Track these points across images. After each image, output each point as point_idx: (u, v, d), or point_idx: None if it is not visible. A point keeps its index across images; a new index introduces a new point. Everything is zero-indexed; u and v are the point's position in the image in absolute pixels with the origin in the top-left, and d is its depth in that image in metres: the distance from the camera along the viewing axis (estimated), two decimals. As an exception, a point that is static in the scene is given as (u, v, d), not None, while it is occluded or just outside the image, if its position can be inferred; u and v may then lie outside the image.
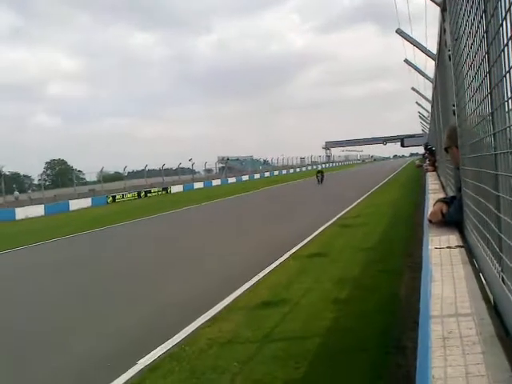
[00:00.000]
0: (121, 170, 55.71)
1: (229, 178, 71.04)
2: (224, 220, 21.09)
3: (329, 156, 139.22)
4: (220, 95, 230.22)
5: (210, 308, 7.23)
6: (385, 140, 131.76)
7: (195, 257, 12.23)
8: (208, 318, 6.85)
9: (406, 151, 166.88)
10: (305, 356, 5.14)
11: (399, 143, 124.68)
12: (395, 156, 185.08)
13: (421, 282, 2.16)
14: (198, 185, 60.73)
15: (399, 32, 8.46)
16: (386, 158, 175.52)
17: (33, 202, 42.86)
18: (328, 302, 6.92)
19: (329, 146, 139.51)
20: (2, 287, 11.30)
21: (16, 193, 50.01)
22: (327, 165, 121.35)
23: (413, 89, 19.59)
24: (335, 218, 16.42)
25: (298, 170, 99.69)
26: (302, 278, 8.57)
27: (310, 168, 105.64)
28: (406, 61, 12.72)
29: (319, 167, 45.66)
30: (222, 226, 18.68)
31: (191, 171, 69.51)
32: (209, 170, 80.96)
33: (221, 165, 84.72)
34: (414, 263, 7.76)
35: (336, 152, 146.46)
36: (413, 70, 12.47)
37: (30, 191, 55.74)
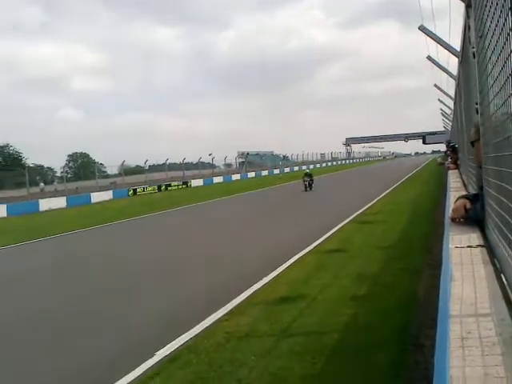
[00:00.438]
0: (142, 164, 56.22)
1: (248, 173, 71.09)
2: (245, 213, 21.34)
3: (349, 152, 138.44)
4: (241, 90, 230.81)
5: (227, 302, 7.28)
6: (406, 137, 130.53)
7: (205, 254, 12.13)
8: (226, 311, 6.90)
9: (428, 148, 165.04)
10: (322, 351, 5.14)
11: (421, 140, 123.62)
12: (417, 153, 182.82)
13: (440, 281, 2.15)
14: (218, 179, 60.95)
15: (422, 29, 8.33)
16: (407, 154, 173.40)
17: (56, 194, 43.54)
18: (346, 299, 6.91)
19: (349, 142, 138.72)
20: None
21: (42, 184, 50.90)
22: (347, 161, 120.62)
23: (435, 86, 19.30)
24: (356, 214, 16.36)
25: (318, 165, 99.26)
26: (320, 274, 8.55)
27: (329, 164, 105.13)
28: (429, 58, 12.51)
29: (306, 169, 34.30)
30: (241, 220, 18.97)
31: (211, 165, 69.76)
32: (228, 165, 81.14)
33: (240, 159, 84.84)
34: (434, 261, 7.70)
35: (356, 148, 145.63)
36: (435, 67, 12.27)
37: (55, 183, 56.60)
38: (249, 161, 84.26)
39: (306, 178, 30.97)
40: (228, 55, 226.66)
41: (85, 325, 7.25)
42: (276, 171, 78.24)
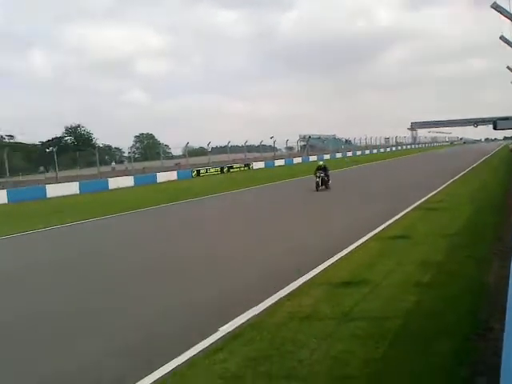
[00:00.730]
0: (205, 146, 57.19)
1: (310, 157, 70.67)
2: (310, 197, 21.47)
3: (414, 137, 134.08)
4: (303, 72, 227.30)
5: (290, 282, 7.39)
6: (475, 122, 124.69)
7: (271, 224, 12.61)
8: (288, 291, 7.01)
9: (499, 134, 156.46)
10: (385, 336, 5.14)
11: (491, 126, 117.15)
12: (487, 139, 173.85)
13: (510, 271, 2.14)
14: (279, 162, 61.03)
15: (495, 6, 7.98)
16: (477, 140, 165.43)
17: (124, 173, 45.34)
18: (410, 285, 6.86)
19: (415, 126, 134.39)
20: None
21: (113, 163, 53.37)
22: (413, 146, 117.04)
23: (508, 68, 18.38)
24: (421, 202, 15.97)
25: (381, 150, 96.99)
26: (383, 260, 8.51)
27: (394, 149, 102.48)
28: (502, 37, 11.95)
29: (320, 162, 25.50)
30: (306, 202, 19.47)
31: (273, 148, 69.87)
32: (290, 148, 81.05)
33: (302, 143, 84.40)
34: (502, 251, 7.50)
35: (422, 133, 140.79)
36: (508, 48, 11.70)
37: (125, 162, 58.94)
38: (310, 144, 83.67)
39: (318, 173, 22.94)
40: (291, 36, 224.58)
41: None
42: (338, 155, 77.37)
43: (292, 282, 7.44)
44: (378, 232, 11.17)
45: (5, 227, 16.61)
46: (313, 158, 69.22)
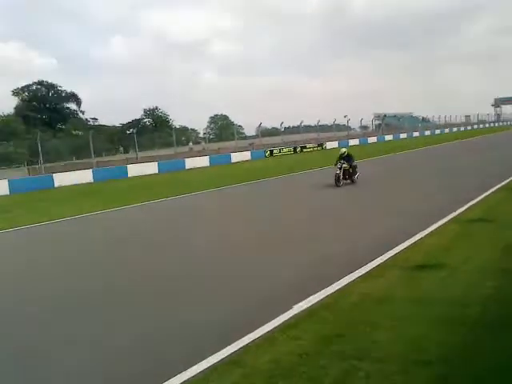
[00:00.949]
0: (278, 126, 57.22)
1: (386, 136, 68.85)
2: (391, 175, 21.59)
3: (498, 114, 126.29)
4: (377, 48, 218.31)
5: (365, 264, 7.34)
6: None
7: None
8: (363, 272, 6.97)
9: None
10: (463, 322, 5.00)
11: None
12: None
13: None
14: (353, 142, 59.97)
15: None
16: None
17: (199, 153, 46.59)
18: (491, 271, 6.58)
19: (499, 103, 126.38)
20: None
21: (190, 144, 55.19)
22: (496, 124, 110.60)
23: None
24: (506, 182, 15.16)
25: (462, 128, 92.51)
26: (462, 243, 8.21)
27: (475, 127, 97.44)
28: None
29: (342, 148, 21.18)
30: (388, 181, 19.61)
31: (346, 128, 68.81)
32: (364, 127, 79.49)
33: (377, 122, 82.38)
34: None
35: (508, 110, 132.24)
36: None
37: (203, 143, 60.74)
38: (386, 123, 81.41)
39: (339, 163, 18.59)
40: (365, 11, 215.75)
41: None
42: (415, 134, 74.80)
43: (366, 263, 7.38)
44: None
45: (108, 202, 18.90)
46: (388, 138, 67.55)
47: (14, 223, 15.35)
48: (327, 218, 12.30)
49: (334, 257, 8.15)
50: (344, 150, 19.25)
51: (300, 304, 5.87)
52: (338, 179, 18.19)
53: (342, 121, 68.20)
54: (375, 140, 64.03)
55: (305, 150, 51.91)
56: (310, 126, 65.40)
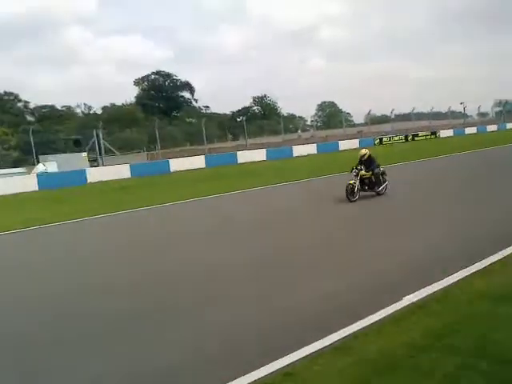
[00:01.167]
0: (388, 113, 55.66)
1: (507, 124, 63.98)
2: None
3: None
4: (498, 30, 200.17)
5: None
6: None
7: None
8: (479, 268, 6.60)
9: None
10: None
11: None
12: None
13: None
14: (470, 130, 56.57)
15: None
16: None
17: (306, 141, 46.86)
18: None
19: None
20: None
21: (299, 131, 55.85)
22: None
23: None
24: None
25: None
26: None
27: None
28: None
29: (363, 149, 15.36)
30: None
31: (462, 115, 65.07)
32: (483, 114, 74.64)
33: (498, 108, 76.80)
34: None
35: None
36: None
37: (311, 131, 61.17)
38: (508, 110, 75.55)
39: (355, 170, 14.42)
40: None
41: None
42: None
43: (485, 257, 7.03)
44: None
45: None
46: (510, 126, 62.66)
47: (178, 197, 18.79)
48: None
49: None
50: (364, 151, 15.05)
51: (410, 296, 5.75)
52: (351, 192, 13.83)
53: (457, 108, 64.54)
54: (495, 128, 59.76)
55: (416, 139, 49.96)
56: (422, 113, 62.79)
